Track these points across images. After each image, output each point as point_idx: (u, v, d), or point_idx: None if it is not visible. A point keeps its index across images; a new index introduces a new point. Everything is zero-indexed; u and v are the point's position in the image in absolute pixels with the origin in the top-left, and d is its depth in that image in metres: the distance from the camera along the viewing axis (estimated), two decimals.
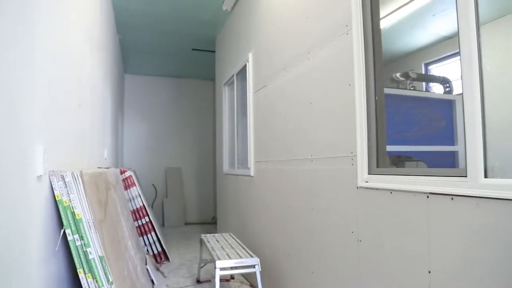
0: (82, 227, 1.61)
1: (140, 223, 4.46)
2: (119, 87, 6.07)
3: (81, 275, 1.60)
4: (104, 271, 1.65)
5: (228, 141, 5.19)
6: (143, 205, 4.48)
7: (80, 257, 1.61)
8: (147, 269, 3.27)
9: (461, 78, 1.38)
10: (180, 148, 8.16)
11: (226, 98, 5.28)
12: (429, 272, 1.50)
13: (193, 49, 6.29)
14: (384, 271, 1.78)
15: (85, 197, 1.66)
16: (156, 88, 8.03)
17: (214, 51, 6.09)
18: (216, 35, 5.70)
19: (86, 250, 1.61)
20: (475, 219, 1.29)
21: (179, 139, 8.17)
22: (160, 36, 5.66)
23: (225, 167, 5.17)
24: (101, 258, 1.65)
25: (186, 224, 7.86)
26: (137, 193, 4.49)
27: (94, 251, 1.63)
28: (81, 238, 1.61)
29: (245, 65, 4.03)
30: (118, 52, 5.75)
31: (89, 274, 1.61)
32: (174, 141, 8.12)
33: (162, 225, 7.57)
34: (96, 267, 1.63)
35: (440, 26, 4.09)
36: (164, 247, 4.61)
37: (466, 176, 1.35)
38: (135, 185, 4.50)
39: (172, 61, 6.98)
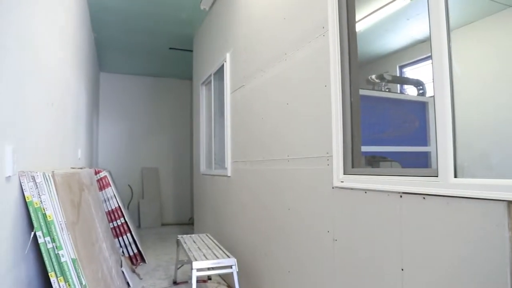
0: (53, 229, 1.57)
1: (115, 224, 4.38)
2: (94, 85, 5.94)
3: (52, 279, 1.56)
4: (77, 274, 1.61)
5: (205, 141, 5.16)
6: (119, 206, 4.40)
7: (51, 260, 1.56)
8: (123, 271, 3.22)
9: (433, 81, 1.42)
10: (157, 148, 8.06)
11: (203, 98, 5.25)
12: (402, 269, 1.54)
13: (170, 48, 6.23)
14: (359, 269, 1.81)
15: (57, 198, 1.62)
16: (132, 87, 7.90)
17: (191, 51, 6.04)
18: (193, 34, 5.66)
19: (58, 253, 1.57)
20: (445, 217, 1.33)
21: (156, 139, 8.06)
22: (136, 34, 5.57)
23: (202, 167, 5.14)
24: (73, 261, 1.61)
25: (163, 225, 7.77)
26: (112, 194, 4.40)
27: (67, 254, 1.59)
28: (53, 240, 1.57)
29: (223, 65, 4.02)
30: (93, 50, 5.63)
31: (61, 278, 1.57)
32: (151, 141, 8.01)
33: (138, 226, 7.46)
34: (69, 270, 1.59)
35: (414, 29, 4.19)
36: (140, 248, 4.54)
37: (437, 176, 1.39)
38: (110, 186, 4.41)
39: (149, 59, 6.89)
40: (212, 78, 4.61)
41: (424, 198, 1.43)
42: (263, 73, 2.95)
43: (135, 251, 4.49)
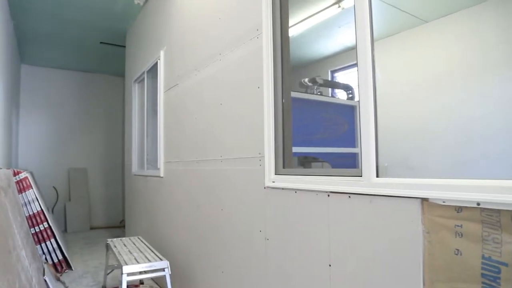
0: None
1: (37, 230, 4.08)
2: (13, 77, 5.45)
3: None
4: None
5: (137, 140, 4.99)
6: (41, 209, 4.10)
7: None
8: (45, 280, 2.99)
9: (358, 87, 1.50)
10: (86, 148, 7.61)
11: (136, 96, 5.07)
12: (330, 265, 1.61)
13: (101, 43, 5.92)
14: (290, 267, 1.86)
15: None
16: (59, 82, 7.37)
17: (124, 46, 5.80)
18: (126, 29, 5.44)
19: None
20: (368, 214, 1.42)
21: (85, 137, 7.61)
22: (64, 24, 5.20)
23: (134, 167, 4.96)
24: None
25: (92, 228, 7.36)
26: (34, 197, 4.09)
27: None
28: None
29: (157, 63, 3.91)
30: (12, 39, 5.16)
31: None
32: (80, 140, 7.55)
33: (64, 230, 7.00)
34: None
35: (344, 37, 4.41)
36: (66, 254, 4.27)
37: (361, 176, 1.47)
38: (32, 188, 4.10)
39: (78, 53, 6.48)
40: (145, 75, 4.46)
41: (349, 197, 1.51)
42: (197, 72, 2.92)
43: (60, 257, 4.21)
